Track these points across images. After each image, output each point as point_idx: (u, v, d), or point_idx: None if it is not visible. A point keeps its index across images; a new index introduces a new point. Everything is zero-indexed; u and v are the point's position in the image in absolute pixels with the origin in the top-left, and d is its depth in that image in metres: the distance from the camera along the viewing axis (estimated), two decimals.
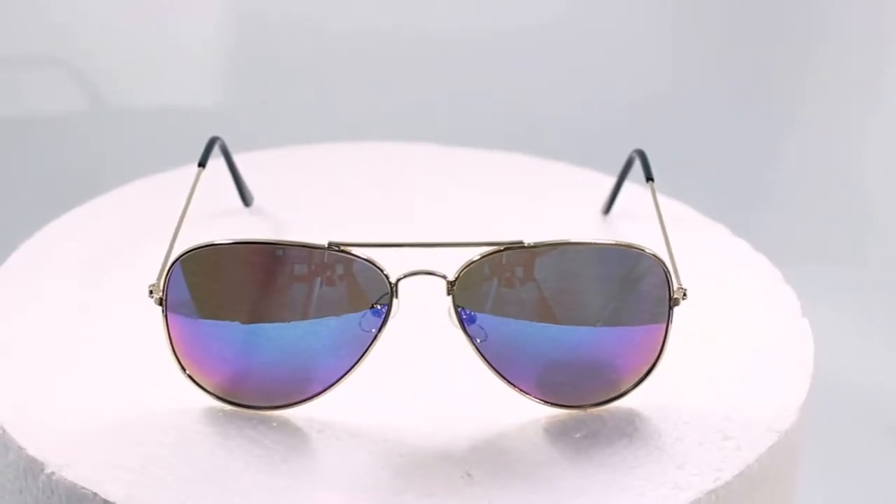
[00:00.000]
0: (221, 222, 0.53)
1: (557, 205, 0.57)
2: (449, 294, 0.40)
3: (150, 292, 0.40)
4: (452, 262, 0.40)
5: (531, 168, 0.60)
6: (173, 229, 0.44)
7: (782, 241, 0.69)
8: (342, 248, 0.39)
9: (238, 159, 0.53)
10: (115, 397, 0.42)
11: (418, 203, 0.56)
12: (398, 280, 0.40)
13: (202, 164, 0.48)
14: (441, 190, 0.58)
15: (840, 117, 0.86)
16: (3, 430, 0.41)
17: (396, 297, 0.40)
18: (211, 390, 0.41)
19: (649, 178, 0.49)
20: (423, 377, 0.44)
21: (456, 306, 0.40)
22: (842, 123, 0.85)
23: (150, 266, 0.49)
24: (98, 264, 0.50)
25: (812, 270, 0.71)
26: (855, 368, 0.70)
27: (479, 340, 0.41)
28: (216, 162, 0.51)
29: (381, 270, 0.39)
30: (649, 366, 0.42)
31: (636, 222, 0.55)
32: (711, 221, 0.55)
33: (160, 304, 0.40)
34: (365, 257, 0.39)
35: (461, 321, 0.40)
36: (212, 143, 0.49)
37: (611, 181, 0.57)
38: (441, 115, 0.83)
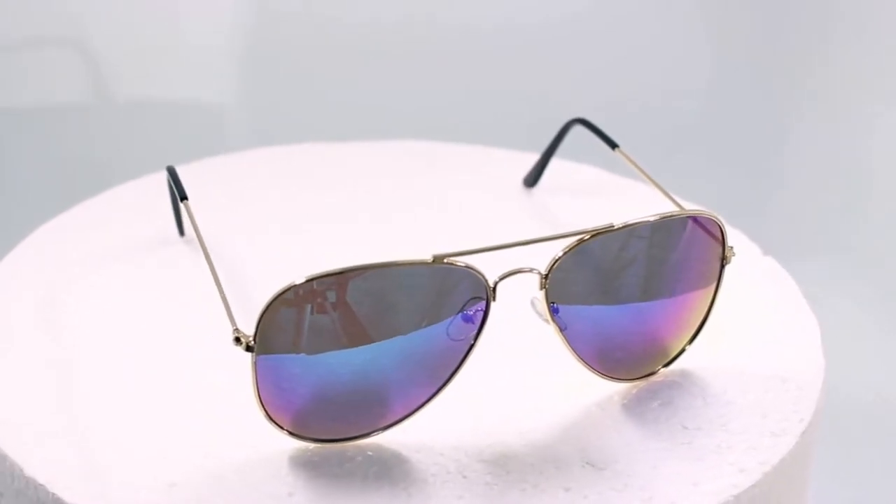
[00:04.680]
0: (170, 252, 0.50)
1: (479, 185, 0.57)
2: (542, 288, 0.40)
3: (237, 339, 0.37)
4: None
5: (431, 152, 0.60)
6: (210, 274, 0.41)
7: (783, 234, 0.71)
8: (447, 258, 0.38)
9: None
10: (177, 448, 0.39)
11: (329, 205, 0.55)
12: (496, 282, 0.39)
13: (184, 196, 0.45)
14: (337, 187, 0.57)
15: (846, 112, 0.88)
16: None
17: (495, 299, 0.39)
18: (297, 432, 0.39)
19: (614, 146, 0.50)
20: (483, 376, 0.43)
21: (549, 301, 0.40)
22: (848, 118, 0.88)
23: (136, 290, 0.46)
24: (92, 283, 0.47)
25: (811, 261, 0.73)
26: (859, 362, 0.72)
27: (564, 330, 0.41)
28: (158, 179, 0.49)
29: (482, 275, 0.39)
30: (697, 326, 0.44)
31: (567, 194, 0.56)
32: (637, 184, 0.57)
33: (248, 349, 0.38)
34: (465, 265, 0.38)
35: (552, 313, 0.40)
36: (173, 173, 0.46)
37: (509, 156, 0.58)
38: (444, 112, 0.81)
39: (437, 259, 0.38)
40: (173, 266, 0.50)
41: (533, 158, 0.56)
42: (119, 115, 0.83)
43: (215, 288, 0.45)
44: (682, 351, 0.44)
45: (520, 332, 0.43)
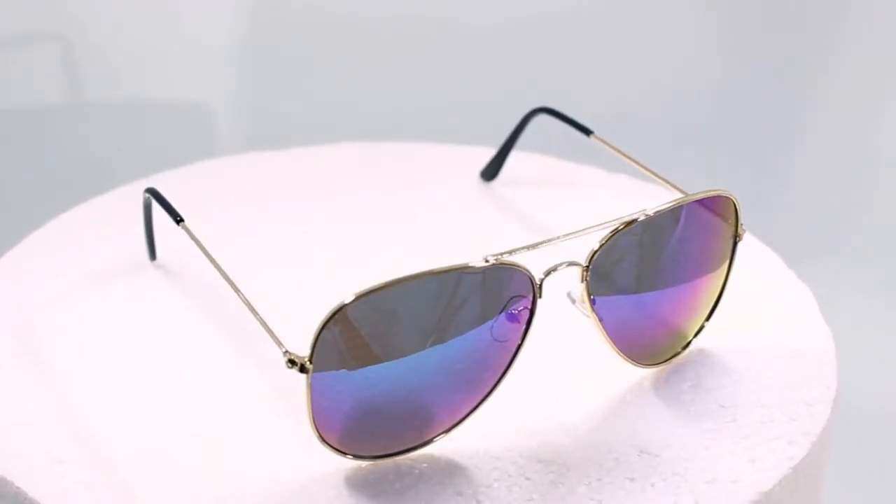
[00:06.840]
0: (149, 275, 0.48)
1: (434, 180, 0.56)
2: (583, 281, 0.39)
3: (291, 362, 0.36)
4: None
5: (371, 153, 0.59)
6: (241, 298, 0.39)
7: (792, 233, 0.70)
8: (499, 258, 0.37)
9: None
10: (228, 481, 0.38)
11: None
12: (542, 279, 0.38)
13: (180, 219, 0.43)
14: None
15: (851, 111, 0.87)
16: None
17: (541, 296, 0.38)
18: (351, 451, 0.38)
19: (588, 132, 0.50)
20: (514, 374, 0.43)
21: (589, 293, 0.39)
22: (856, 116, 0.87)
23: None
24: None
25: (821, 261, 0.73)
26: (873, 362, 0.73)
27: (602, 321, 0.40)
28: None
29: (529, 272, 0.38)
30: (713, 304, 0.44)
31: (526, 187, 0.55)
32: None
33: (303, 371, 0.36)
34: (512, 263, 0.38)
35: (592, 305, 0.40)
36: (159, 196, 0.45)
37: (454, 151, 0.57)
38: (444, 112, 0.79)
39: (490, 260, 0.37)
40: (167, 282, 0.48)
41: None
42: (116, 116, 0.81)
43: (204, 307, 0.44)
44: (702, 328, 0.44)
45: (542, 327, 0.43)
